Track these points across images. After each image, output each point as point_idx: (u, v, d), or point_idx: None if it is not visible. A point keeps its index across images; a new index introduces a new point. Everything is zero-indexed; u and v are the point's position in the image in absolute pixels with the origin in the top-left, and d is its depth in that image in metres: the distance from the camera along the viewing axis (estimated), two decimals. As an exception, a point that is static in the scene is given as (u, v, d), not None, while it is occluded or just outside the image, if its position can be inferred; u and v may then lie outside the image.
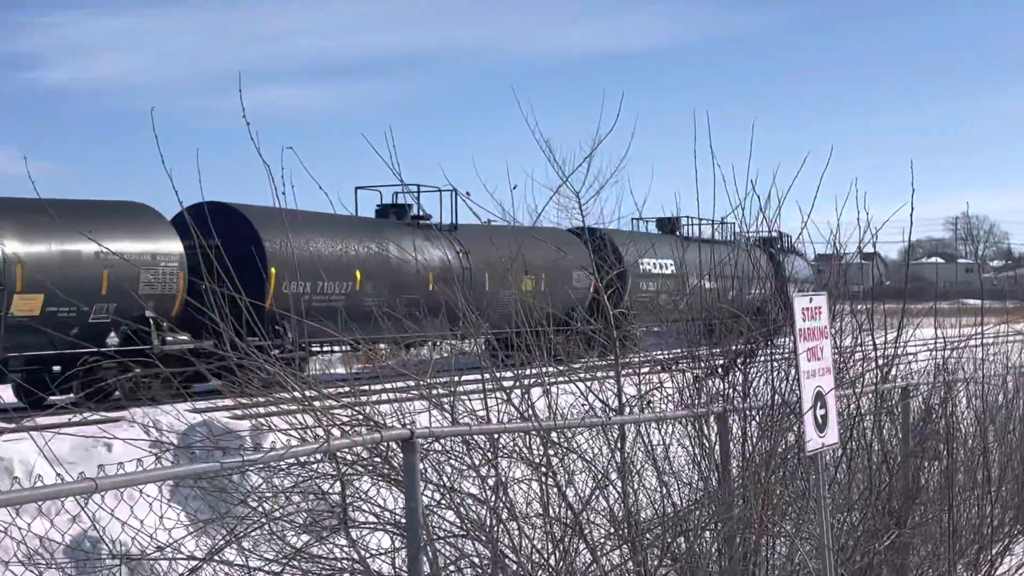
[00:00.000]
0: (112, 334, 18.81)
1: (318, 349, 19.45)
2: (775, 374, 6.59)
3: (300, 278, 20.75)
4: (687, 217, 31.47)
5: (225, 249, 24.71)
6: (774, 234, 7.51)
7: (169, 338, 19.26)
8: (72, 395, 18.29)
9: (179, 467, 5.10)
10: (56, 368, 18.44)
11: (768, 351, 6.81)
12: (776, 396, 6.49)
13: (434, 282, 22.44)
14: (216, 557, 5.51)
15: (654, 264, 27.54)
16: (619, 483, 6.15)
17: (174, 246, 19.67)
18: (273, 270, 20.35)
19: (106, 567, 5.57)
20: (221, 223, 20.51)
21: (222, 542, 5.56)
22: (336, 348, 19.49)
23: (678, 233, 30.81)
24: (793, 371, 6.23)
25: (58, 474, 5.48)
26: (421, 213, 24.98)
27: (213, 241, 24.53)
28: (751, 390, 6.65)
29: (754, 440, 6.43)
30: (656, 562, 6.03)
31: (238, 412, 6.37)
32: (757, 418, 6.52)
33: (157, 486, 5.95)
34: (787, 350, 6.57)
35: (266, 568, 5.64)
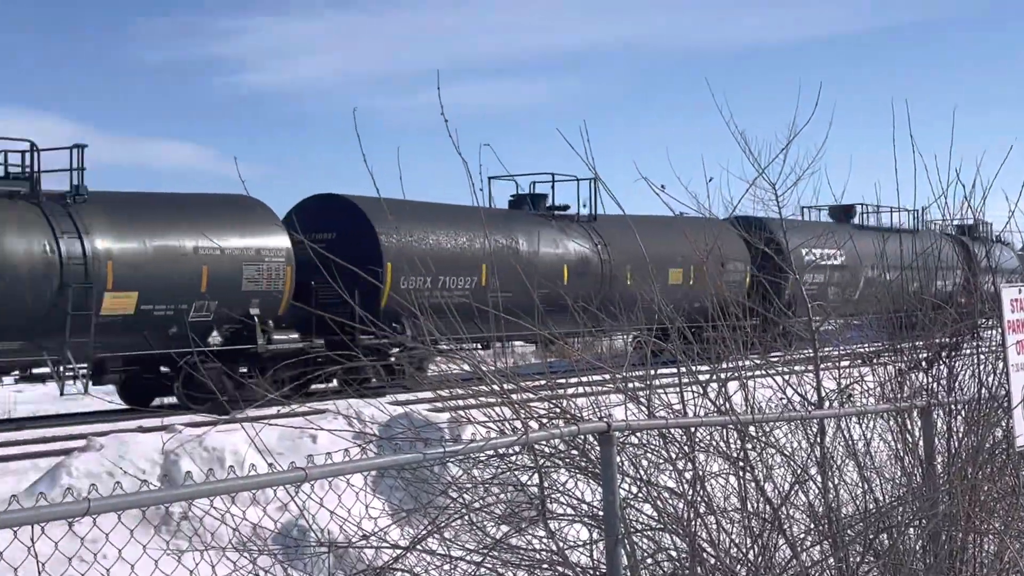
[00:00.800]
0: (214, 333, 20.16)
1: (445, 347, 20.62)
2: (981, 367, 7.35)
3: (418, 273, 21.91)
4: (862, 204, 32.09)
5: (338, 243, 26.06)
6: (979, 223, 8.28)
7: (276, 336, 20.62)
8: (173, 397, 19.72)
9: (384, 457, 5.90)
10: (164, 369, 19.86)
11: (974, 343, 7.59)
12: (983, 390, 7.26)
13: (569, 276, 23.46)
14: (419, 546, 6.51)
15: (820, 254, 28.18)
16: (819, 478, 6.91)
17: (280, 241, 20.94)
18: (389, 265, 21.59)
19: (314, 554, 6.61)
20: (335, 216, 21.98)
21: (424, 532, 6.55)
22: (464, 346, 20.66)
23: (854, 221, 31.47)
24: (1001, 364, 7.01)
25: (270, 464, 6.52)
26: (559, 204, 25.93)
27: (325, 235, 25.82)
28: (956, 384, 7.42)
29: (960, 435, 7.18)
30: (858, 559, 6.77)
31: (438, 404, 7.34)
32: (963, 413, 7.28)
33: (363, 476, 6.99)
34: (994, 343, 7.38)
35: (467, 558, 6.55)
